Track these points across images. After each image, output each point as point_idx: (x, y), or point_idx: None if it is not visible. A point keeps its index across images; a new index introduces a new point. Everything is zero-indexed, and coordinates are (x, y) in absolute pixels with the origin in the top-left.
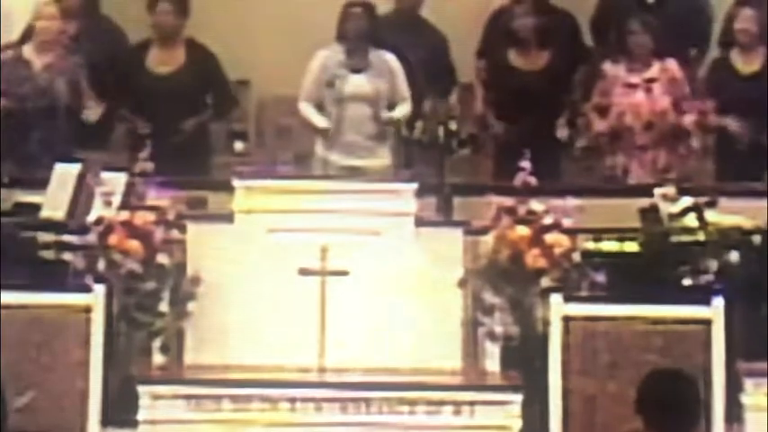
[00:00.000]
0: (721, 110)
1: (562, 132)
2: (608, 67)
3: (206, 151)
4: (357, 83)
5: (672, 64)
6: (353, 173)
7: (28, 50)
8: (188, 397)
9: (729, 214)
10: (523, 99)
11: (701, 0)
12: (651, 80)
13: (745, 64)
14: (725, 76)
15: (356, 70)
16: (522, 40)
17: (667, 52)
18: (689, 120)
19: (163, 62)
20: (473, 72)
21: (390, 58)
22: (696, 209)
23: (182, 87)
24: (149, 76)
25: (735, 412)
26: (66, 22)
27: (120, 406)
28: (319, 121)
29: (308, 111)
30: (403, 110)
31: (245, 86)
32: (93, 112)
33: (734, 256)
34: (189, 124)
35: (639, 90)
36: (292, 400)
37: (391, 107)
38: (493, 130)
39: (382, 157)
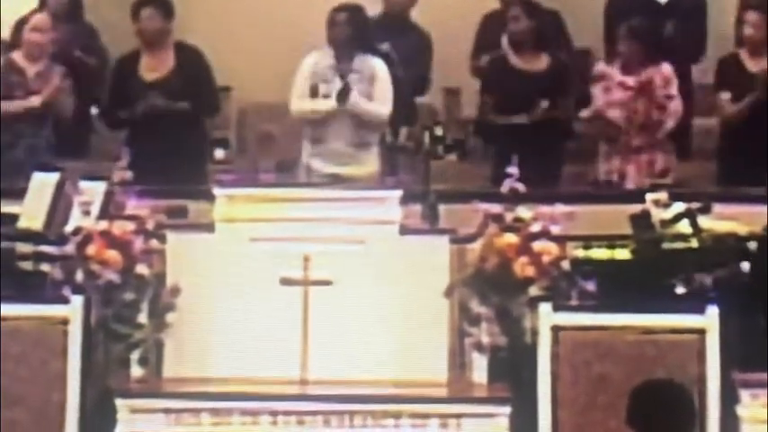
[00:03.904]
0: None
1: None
2: (602, 67)
3: (195, 156)
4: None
5: (666, 67)
6: (338, 180)
7: (19, 57)
8: (167, 410)
9: (724, 220)
10: (525, 100)
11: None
12: (646, 82)
13: (754, 63)
14: (734, 73)
15: (342, 75)
16: (518, 43)
17: (661, 56)
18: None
19: (152, 68)
20: (459, 76)
21: (376, 64)
22: (689, 215)
23: (172, 92)
24: (141, 83)
25: (730, 425)
26: (54, 28)
27: (98, 419)
28: (323, 104)
29: (305, 105)
30: (379, 109)
31: (226, 93)
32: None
33: (729, 263)
34: (158, 102)
35: (634, 91)
36: (274, 414)
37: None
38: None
39: (367, 165)
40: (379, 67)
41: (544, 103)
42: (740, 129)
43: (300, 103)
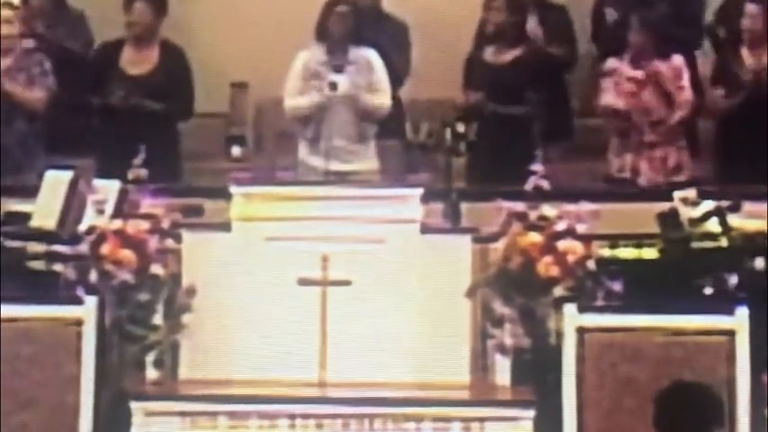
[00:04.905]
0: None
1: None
2: (611, 63)
3: (176, 156)
4: (338, 82)
5: (677, 60)
6: (343, 178)
7: None
8: (183, 414)
9: (754, 218)
10: (492, 93)
11: None
12: (657, 75)
13: (753, 59)
14: (732, 70)
15: (337, 69)
16: (495, 35)
17: (671, 48)
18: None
19: (136, 63)
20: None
21: (370, 54)
22: (718, 213)
23: (153, 89)
24: (121, 75)
25: (760, 428)
26: (32, 21)
27: (113, 422)
28: (304, 101)
29: (294, 103)
30: (380, 101)
31: (243, 89)
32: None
33: (758, 262)
34: (131, 99)
35: (646, 86)
36: (292, 417)
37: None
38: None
39: (368, 162)
40: (373, 56)
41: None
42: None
43: (292, 101)
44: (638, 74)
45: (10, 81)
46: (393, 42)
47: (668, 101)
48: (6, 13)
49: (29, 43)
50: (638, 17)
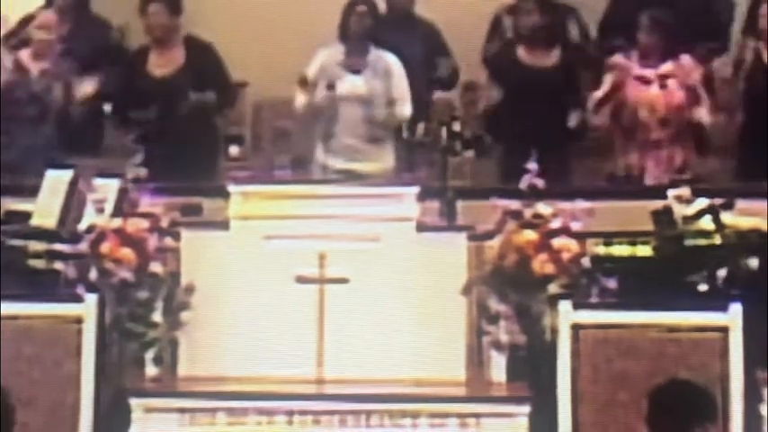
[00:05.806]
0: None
1: (573, 121)
2: (619, 59)
3: (212, 152)
4: (352, 83)
5: (686, 60)
6: (351, 176)
7: (25, 57)
8: (182, 410)
9: (747, 216)
10: (533, 96)
11: None
12: (666, 75)
13: None
14: (753, 69)
15: (354, 70)
16: (528, 38)
17: (681, 48)
18: (704, 115)
19: (161, 65)
20: (477, 70)
21: (389, 58)
22: (712, 211)
23: (182, 89)
24: (149, 80)
25: (754, 424)
26: (60, 25)
27: (112, 419)
28: (299, 99)
29: (298, 101)
30: (401, 110)
31: (241, 88)
32: (86, 86)
33: (752, 260)
34: (186, 104)
35: (654, 85)
36: (290, 413)
37: (390, 107)
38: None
39: (381, 161)
40: (393, 62)
41: (573, 119)
42: (759, 123)
43: (298, 99)
44: (647, 72)
45: (47, 85)
46: (429, 47)
47: (678, 100)
48: (49, 17)
49: (57, 48)
50: (649, 17)
